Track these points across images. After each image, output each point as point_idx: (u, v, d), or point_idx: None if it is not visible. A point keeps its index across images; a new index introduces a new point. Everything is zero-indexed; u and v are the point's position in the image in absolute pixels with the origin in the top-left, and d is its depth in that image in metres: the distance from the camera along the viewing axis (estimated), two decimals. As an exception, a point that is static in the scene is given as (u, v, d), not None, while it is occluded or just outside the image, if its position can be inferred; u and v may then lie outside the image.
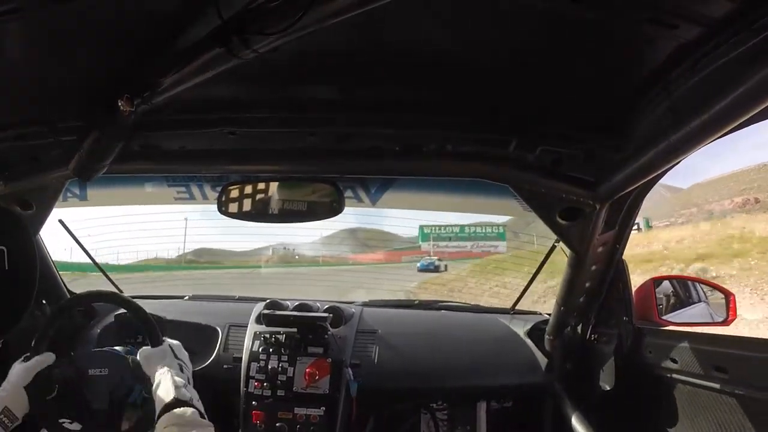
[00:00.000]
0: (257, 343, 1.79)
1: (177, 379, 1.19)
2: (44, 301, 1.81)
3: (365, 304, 2.08)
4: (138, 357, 1.29)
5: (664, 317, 1.54)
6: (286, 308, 1.91)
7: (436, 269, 17.34)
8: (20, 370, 1.24)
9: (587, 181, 1.25)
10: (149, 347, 1.30)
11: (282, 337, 1.77)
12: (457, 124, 1.22)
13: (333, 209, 1.40)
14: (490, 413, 1.84)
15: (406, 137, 1.26)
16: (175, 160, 1.41)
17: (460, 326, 1.98)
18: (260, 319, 1.83)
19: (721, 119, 0.79)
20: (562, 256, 1.61)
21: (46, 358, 1.27)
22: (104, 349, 1.39)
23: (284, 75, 1.09)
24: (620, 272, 1.52)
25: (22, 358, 1.27)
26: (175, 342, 1.36)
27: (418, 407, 1.92)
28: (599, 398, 1.58)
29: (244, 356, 1.77)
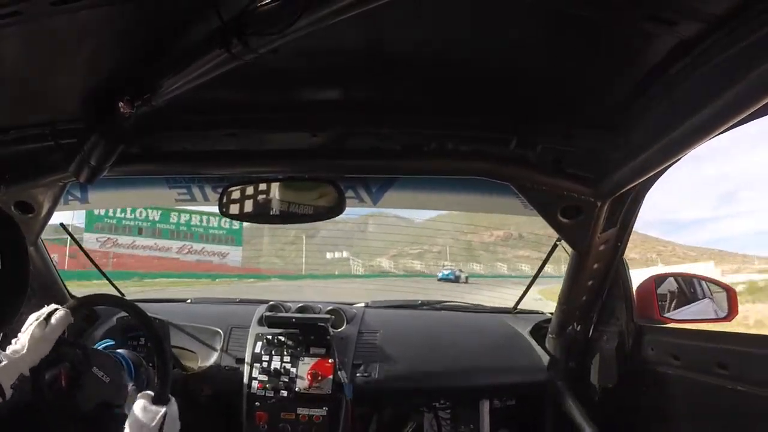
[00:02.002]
0: (260, 344, 1.79)
1: None
2: (46, 305, 1.80)
3: (367, 305, 2.09)
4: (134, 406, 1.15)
5: (668, 314, 1.53)
6: (288, 310, 1.93)
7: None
8: (38, 336, 1.13)
9: (588, 178, 1.25)
10: (150, 398, 1.15)
11: (284, 338, 1.78)
12: (458, 123, 1.22)
13: (334, 209, 1.40)
14: (492, 412, 1.84)
15: (407, 136, 1.26)
16: (176, 161, 1.41)
17: (463, 326, 1.99)
18: (262, 321, 1.83)
19: (721, 116, 0.80)
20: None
21: (65, 320, 1.18)
22: (117, 352, 1.38)
23: (284, 76, 1.08)
24: (621, 270, 1.52)
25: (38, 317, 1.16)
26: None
27: (420, 407, 1.93)
28: (601, 396, 1.58)
29: (247, 357, 1.77)
